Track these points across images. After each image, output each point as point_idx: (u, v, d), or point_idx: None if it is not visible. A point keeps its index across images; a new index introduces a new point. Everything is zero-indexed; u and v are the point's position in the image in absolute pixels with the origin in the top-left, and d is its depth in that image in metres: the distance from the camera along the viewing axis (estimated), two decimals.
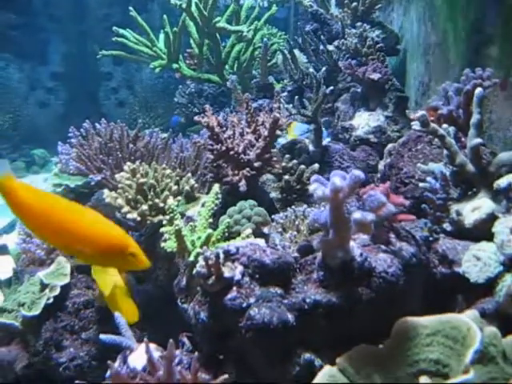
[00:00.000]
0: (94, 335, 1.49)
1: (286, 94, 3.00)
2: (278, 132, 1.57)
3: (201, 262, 1.04)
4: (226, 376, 0.87)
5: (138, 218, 1.61)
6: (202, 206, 1.70)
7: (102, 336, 1.12)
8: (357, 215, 0.90)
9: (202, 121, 1.54)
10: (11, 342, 1.39)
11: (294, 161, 1.91)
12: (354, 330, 1.00)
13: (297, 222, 1.43)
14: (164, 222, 1.39)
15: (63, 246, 1.10)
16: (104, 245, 1.02)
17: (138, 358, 1.08)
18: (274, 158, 1.62)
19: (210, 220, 1.41)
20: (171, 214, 1.34)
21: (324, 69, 2.19)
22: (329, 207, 0.95)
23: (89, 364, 1.40)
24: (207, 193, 1.92)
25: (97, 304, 1.55)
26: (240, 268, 1.03)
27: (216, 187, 1.45)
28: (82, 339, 1.48)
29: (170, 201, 1.39)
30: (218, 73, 3.44)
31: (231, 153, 1.50)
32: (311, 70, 2.49)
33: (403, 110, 2.51)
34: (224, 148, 1.49)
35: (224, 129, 1.54)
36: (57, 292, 1.46)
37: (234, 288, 1.01)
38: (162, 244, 1.35)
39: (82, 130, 2.19)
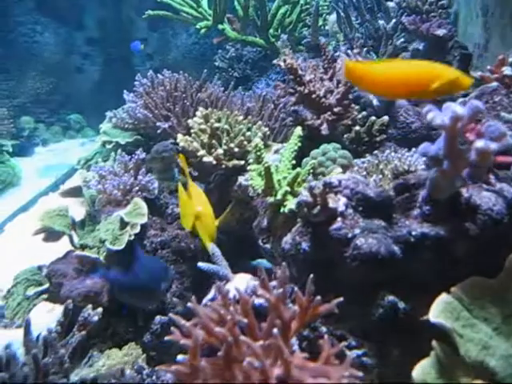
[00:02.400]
0: (171, 274, 1.51)
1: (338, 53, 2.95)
2: None
3: (304, 192, 1.03)
4: (341, 299, 0.87)
5: (214, 162, 1.61)
6: (275, 152, 1.70)
7: (201, 264, 1.13)
8: (479, 144, 0.88)
9: (282, 64, 1.52)
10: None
11: (364, 112, 1.88)
12: (459, 264, 0.99)
13: (381, 167, 1.41)
14: (250, 161, 1.39)
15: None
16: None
17: (237, 287, 1.09)
18: (353, 105, 1.59)
19: (293, 162, 1.40)
20: (258, 153, 1.34)
21: (394, 21, 2.14)
22: (445, 137, 0.93)
23: (170, 300, 1.42)
24: (277, 141, 1.91)
25: (173, 244, 1.57)
26: (343, 200, 1.03)
27: (298, 129, 1.44)
28: None
29: (257, 139, 1.38)
30: (263, 36, 3.38)
31: (313, 96, 1.48)
32: (381, 22, 2.42)
33: (467, 67, 2.44)
34: (307, 91, 1.47)
35: (304, 73, 1.51)
36: (137, 230, 1.48)
37: (339, 219, 1.01)
38: (250, 182, 1.34)
39: (145, 80, 2.19)
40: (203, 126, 1.67)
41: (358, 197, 1.03)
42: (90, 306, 1.11)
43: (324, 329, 0.99)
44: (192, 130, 1.71)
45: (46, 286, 1.45)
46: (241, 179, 1.63)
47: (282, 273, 0.90)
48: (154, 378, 1.13)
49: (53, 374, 0.91)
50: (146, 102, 2.05)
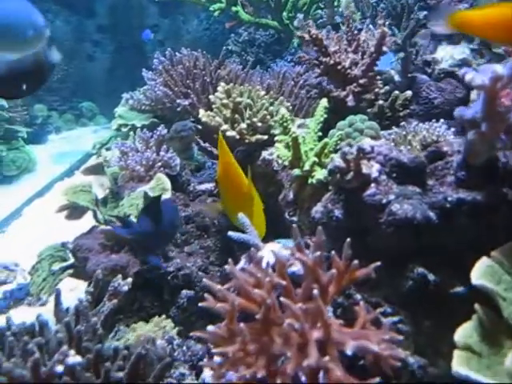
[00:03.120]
0: (195, 249, 1.51)
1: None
2: (385, 48, 1.51)
3: (337, 158, 1.01)
4: (378, 263, 0.85)
5: (238, 136, 1.60)
6: (299, 127, 1.68)
7: (231, 233, 1.12)
8: None
9: (307, 35, 1.49)
10: (120, 250, 1.42)
11: (387, 87, 1.85)
12: (495, 230, 0.97)
13: (409, 138, 1.39)
14: (276, 132, 1.37)
15: None
16: None
17: (265, 257, 1.08)
18: (378, 77, 1.57)
19: (319, 133, 1.38)
20: (285, 124, 1.32)
21: None
22: (484, 98, 0.90)
23: (196, 274, 1.41)
24: (299, 117, 1.89)
25: (197, 219, 1.56)
26: (377, 166, 1.01)
27: (324, 101, 1.41)
28: (185, 252, 1.50)
29: (283, 110, 1.36)
30: (277, 18, 3.34)
31: (338, 67, 1.45)
32: None
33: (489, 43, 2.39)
34: (332, 61, 1.44)
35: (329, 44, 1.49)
36: None
37: (373, 185, 0.99)
38: (276, 154, 1.32)
39: (163, 58, 2.17)
40: (225, 101, 1.65)
41: (392, 163, 1.01)
42: (119, 276, 1.10)
43: (358, 296, 0.98)
44: (214, 106, 1.69)
45: (72, 261, 1.45)
46: (264, 154, 1.61)
47: (317, 237, 0.88)
48: (184, 348, 1.13)
49: (86, 341, 0.91)
50: (165, 79, 2.04)
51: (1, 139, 3.56)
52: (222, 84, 1.72)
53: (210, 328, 0.83)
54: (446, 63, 2.40)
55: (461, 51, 2.42)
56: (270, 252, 1.08)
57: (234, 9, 3.34)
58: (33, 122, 4.44)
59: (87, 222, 2.08)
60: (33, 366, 0.75)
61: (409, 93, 1.85)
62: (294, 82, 2.10)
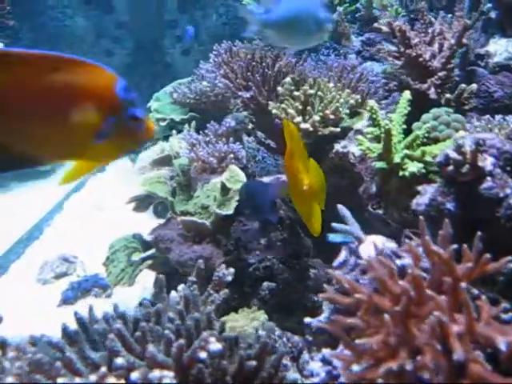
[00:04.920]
0: (272, 242, 1.50)
1: None
2: (465, 41, 1.50)
3: (449, 150, 1.01)
4: (509, 257, 0.85)
5: (311, 129, 1.59)
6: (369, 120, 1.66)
7: (335, 224, 1.12)
8: None
9: (384, 27, 1.48)
10: (201, 241, 1.42)
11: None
12: None
13: (495, 131, 1.38)
14: (365, 124, 1.36)
15: None
16: None
17: (369, 249, 1.07)
18: (455, 69, 1.55)
19: (404, 126, 1.37)
20: (374, 115, 1.31)
21: None
22: None
23: (277, 266, 1.41)
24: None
25: None
26: (491, 159, 1.00)
27: (407, 93, 1.40)
28: (262, 244, 1.49)
29: (372, 102, 1.35)
30: None
31: (420, 59, 1.44)
32: None
33: None
34: (414, 53, 1.43)
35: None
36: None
37: (489, 178, 0.98)
38: (362, 145, 1.31)
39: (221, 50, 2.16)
40: (296, 93, 1.64)
41: (506, 156, 1.00)
42: (223, 265, 1.11)
43: (476, 290, 0.97)
44: (282, 98, 1.69)
45: (152, 251, 1.46)
46: (337, 146, 1.60)
47: (444, 230, 0.88)
48: (284, 339, 1.13)
49: (203, 329, 0.90)
50: (225, 71, 2.03)
51: None
52: (291, 75, 1.71)
53: (336, 319, 0.84)
54: (501, 56, 2.37)
55: None
56: (371, 244, 1.08)
57: None
58: None
59: (122, 216, 2.11)
60: (177, 352, 0.76)
61: (474, 86, 1.83)
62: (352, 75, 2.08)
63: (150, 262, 1.47)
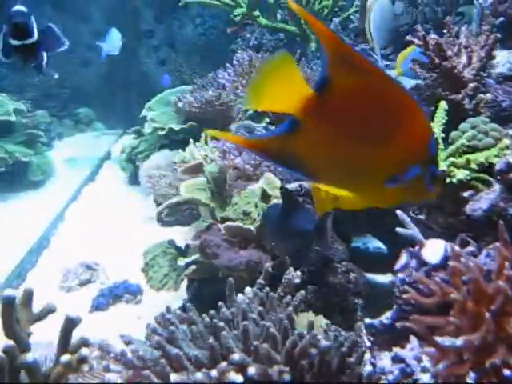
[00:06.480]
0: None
1: None
2: (494, 54, 1.58)
3: (510, 158, 1.06)
4: None
5: None
6: None
7: (399, 229, 1.17)
8: None
9: (418, 40, 1.54)
10: (247, 246, 1.44)
11: None
12: None
13: None
14: None
15: None
16: None
17: (431, 253, 1.12)
18: (484, 81, 1.63)
19: (442, 135, 1.43)
20: None
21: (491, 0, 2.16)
22: None
23: (321, 270, 1.45)
24: None
25: None
26: None
27: (443, 104, 1.46)
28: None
29: None
30: (296, 22, 3.34)
31: (455, 71, 1.51)
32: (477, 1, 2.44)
33: None
34: (450, 65, 1.49)
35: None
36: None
37: None
38: None
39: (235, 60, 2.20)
40: None
41: None
42: (291, 268, 1.14)
43: None
44: None
45: (197, 255, 1.47)
46: None
47: (501, 233, 0.91)
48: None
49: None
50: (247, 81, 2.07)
51: (26, 144, 3.53)
52: None
53: (420, 319, 0.88)
54: (504, 67, 2.47)
55: None
56: (435, 247, 1.12)
57: (254, 13, 3.33)
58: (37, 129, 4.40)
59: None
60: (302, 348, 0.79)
61: (489, 96, 1.91)
62: None
63: (194, 266, 1.48)
